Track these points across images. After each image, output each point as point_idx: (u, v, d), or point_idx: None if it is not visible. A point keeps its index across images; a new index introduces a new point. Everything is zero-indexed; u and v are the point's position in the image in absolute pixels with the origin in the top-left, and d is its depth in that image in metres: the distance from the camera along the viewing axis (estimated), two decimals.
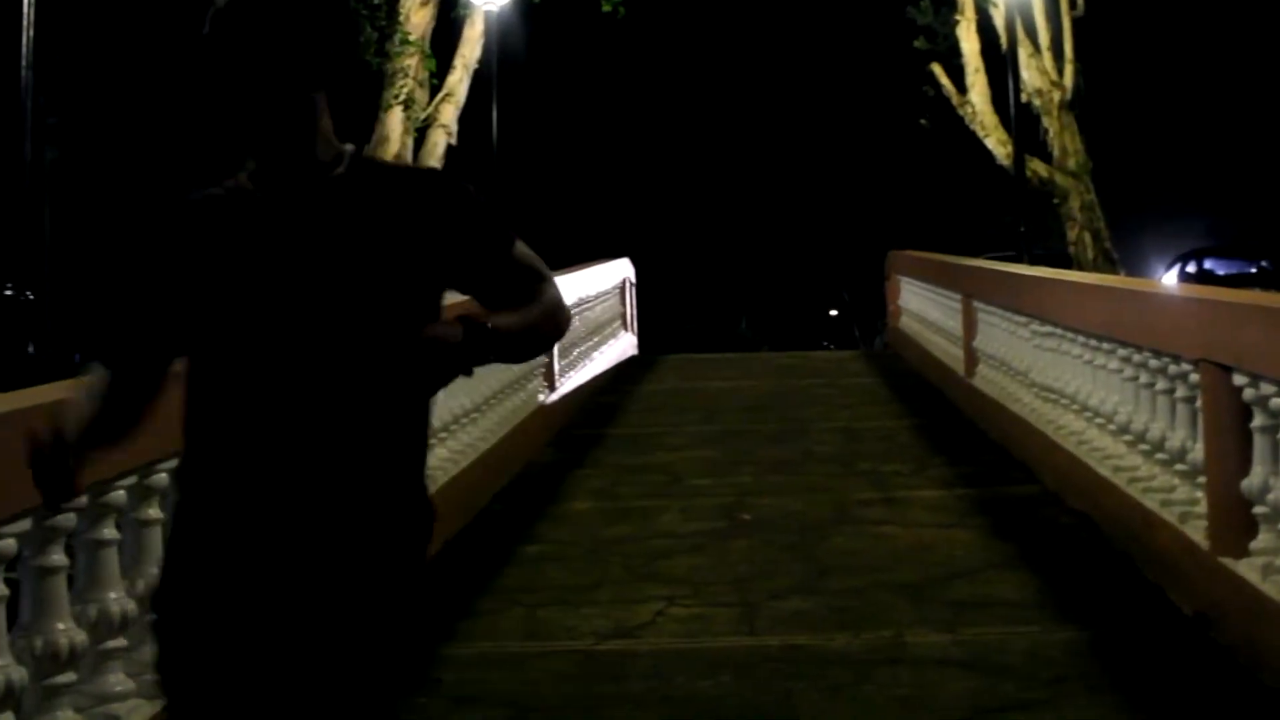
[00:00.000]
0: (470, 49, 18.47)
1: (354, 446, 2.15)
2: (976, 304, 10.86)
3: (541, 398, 10.50)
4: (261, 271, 2.16)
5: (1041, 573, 6.13)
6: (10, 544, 3.38)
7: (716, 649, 5.27)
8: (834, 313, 56.11)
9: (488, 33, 18.73)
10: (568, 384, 11.71)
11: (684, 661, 5.11)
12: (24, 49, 9.67)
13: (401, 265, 2.19)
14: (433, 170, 2.40)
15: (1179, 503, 5.73)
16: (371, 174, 2.28)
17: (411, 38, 16.97)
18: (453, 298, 2.31)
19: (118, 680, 3.86)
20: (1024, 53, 20.43)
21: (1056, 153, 21.00)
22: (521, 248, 2.34)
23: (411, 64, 17.05)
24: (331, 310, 2.14)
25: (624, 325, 17.03)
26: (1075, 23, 21.15)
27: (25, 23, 9.68)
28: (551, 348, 2.21)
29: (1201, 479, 5.51)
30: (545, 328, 2.32)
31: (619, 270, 17.18)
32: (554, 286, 2.36)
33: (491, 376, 8.74)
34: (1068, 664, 4.91)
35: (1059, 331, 7.93)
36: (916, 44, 22.47)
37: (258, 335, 2.14)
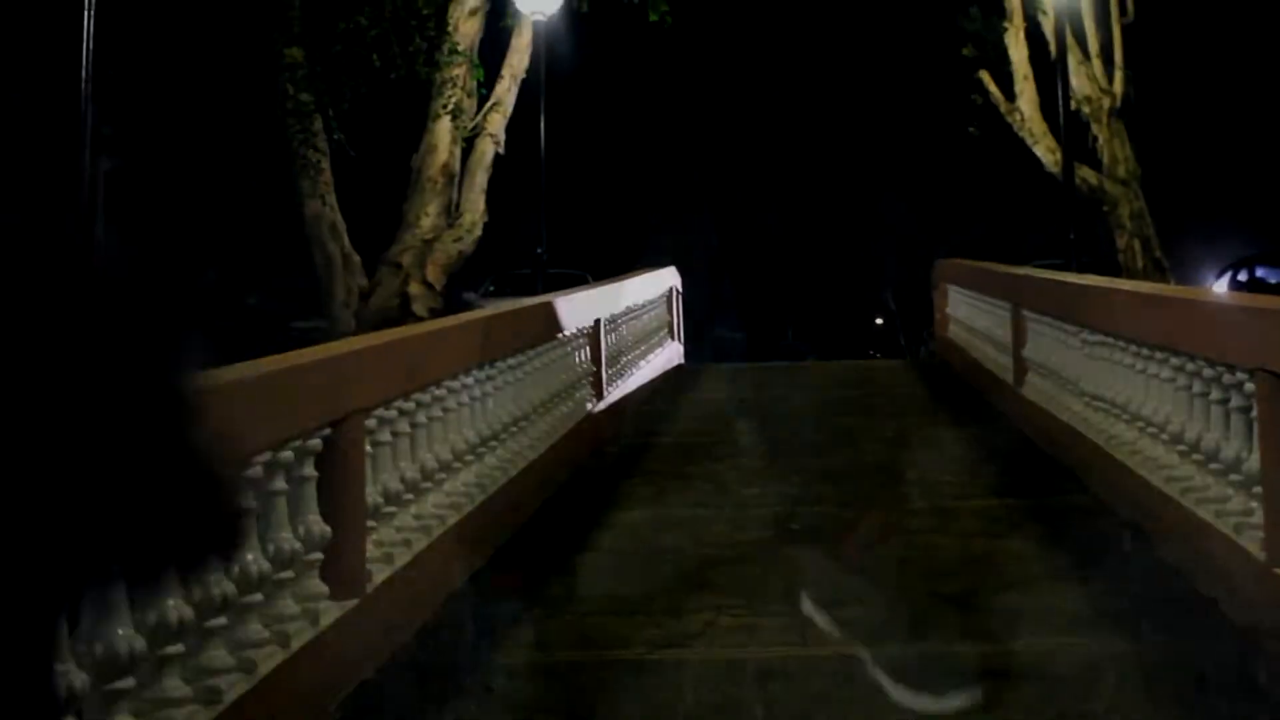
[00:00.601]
0: (518, 58, 18.59)
1: None
2: (1026, 313, 10.80)
3: (589, 406, 10.52)
4: None
5: (1093, 583, 6.09)
6: None
7: (767, 659, 5.27)
8: (879, 321, 55.96)
9: (535, 42, 18.85)
10: (615, 393, 11.73)
11: (735, 671, 5.11)
12: (84, 59, 9.79)
13: None
14: None
15: (1234, 513, 5.68)
16: None
17: (460, 48, 17.11)
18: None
19: (175, 685, 3.91)
20: (1073, 60, 20.35)
21: (1106, 160, 20.90)
22: None
23: (460, 74, 17.18)
24: None
25: (670, 334, 17.04)
26: (1125, 29, 21.07)
27: (85, 34, 9.81)
28: None
29: (1257, 489, 5.47)
30: None
31: (665, 279, 17.19)
32: None
33: (539, 385, 8.78)
34: (1122, 676, 4.88)
35: (1110, 340, 7.88)
36: (965, 51, 22.44)
37: None
